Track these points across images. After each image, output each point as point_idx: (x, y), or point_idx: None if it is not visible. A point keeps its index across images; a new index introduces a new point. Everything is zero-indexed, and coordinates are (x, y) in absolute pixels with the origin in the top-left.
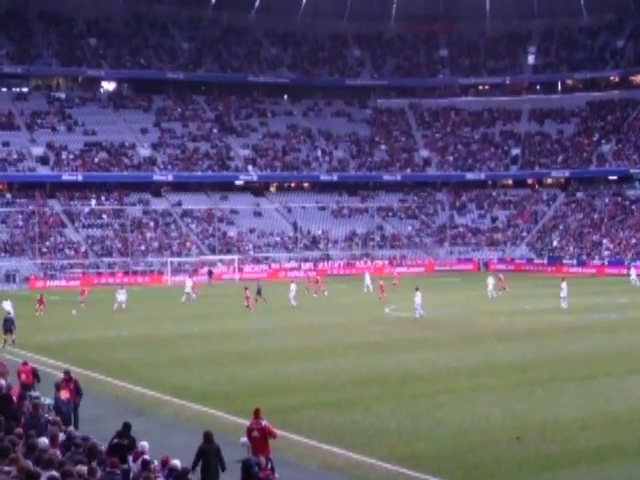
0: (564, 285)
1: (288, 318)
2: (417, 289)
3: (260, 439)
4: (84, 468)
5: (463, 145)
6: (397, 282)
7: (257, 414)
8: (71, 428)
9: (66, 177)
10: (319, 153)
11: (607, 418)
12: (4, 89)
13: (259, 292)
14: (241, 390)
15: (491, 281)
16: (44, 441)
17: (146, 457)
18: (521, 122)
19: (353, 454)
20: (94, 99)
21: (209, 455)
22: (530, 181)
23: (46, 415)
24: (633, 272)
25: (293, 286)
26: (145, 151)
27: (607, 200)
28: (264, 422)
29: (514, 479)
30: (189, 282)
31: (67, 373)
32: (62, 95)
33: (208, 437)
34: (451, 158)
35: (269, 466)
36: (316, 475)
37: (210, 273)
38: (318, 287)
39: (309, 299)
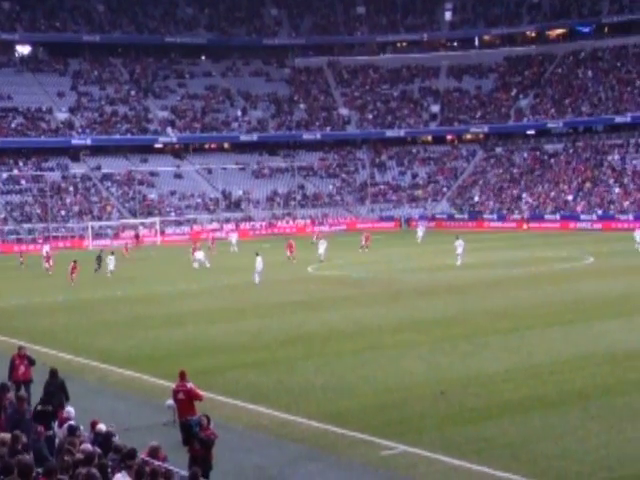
0: (460, 242)
1: (211, 280)
2: (257, 254)
3: (186, 401)
4: (7, 435)
5: (382, 102)
6: (213, 246)
7: (182, 376)
8: None
9: None
10: (238, 113)
11: (529, 371)
12: None
13: (99, 260)
14: (166, 353)
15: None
16: None
17: (72, 423)
18: (439, 78)
19: (279, 413)
20: (9, 63)
21: (54, 389)
22: (449, 137)
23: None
24: (420, 229)
25: (111, 257)
26: (62, 115)
27: (525, 155)
28: (189, 384)
29: (439, 433)
30: (46, 248)
31: (21, 349)
32: None
33: (53, 373)
34: (370, 116)
35: (211, 425)
36: (242, 435)
37: (137, 236)
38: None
39: (228, 259)
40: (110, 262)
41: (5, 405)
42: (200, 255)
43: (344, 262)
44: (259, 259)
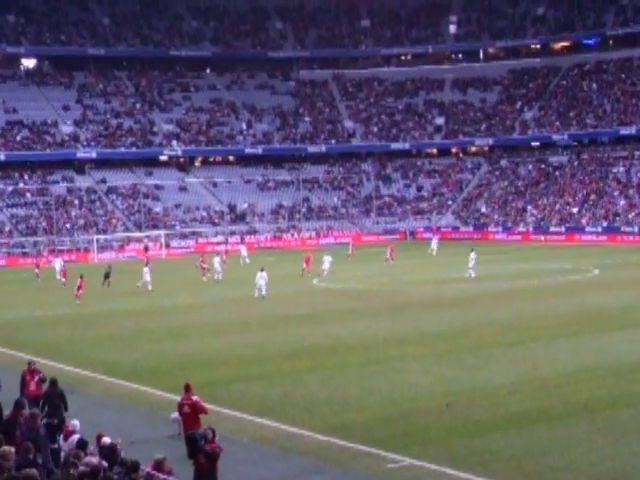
0: (473, 255)
1: (216, 293)
2: (262, 269)
3: (191, 414)
4: (10, 449)
5: (387, 115)
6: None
7: (188, 389)
8: None
9: None
10: (243, 126)
11: (535, 383)
12: None
13: (107, 276)
14: (171, 366)
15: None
16: None
17: (78, 436)
18: (444, 91)
19: (284, 426)
20: (14, 77)
21: (54, 398)
22: (454, 150)
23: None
24: (434, 242)
25: (146, 269)
26: (68, 128)
27: (530, 167)
28: (195, 397)
29: (444, 445)
30: (59, 262)
31: (31, 364)
32: None
33: (53, 383)
34: (375, 128)
35: (216, 438)
36: (248, 449)
37: (146, 249)
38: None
39: (236, 271)
40: (146, 274)
41: (20, 422)
42: (217, 263)
43: (349, 275)
44: (260, 274)
